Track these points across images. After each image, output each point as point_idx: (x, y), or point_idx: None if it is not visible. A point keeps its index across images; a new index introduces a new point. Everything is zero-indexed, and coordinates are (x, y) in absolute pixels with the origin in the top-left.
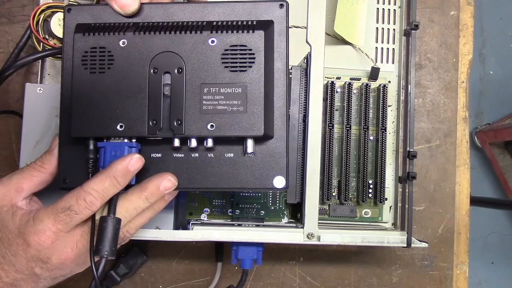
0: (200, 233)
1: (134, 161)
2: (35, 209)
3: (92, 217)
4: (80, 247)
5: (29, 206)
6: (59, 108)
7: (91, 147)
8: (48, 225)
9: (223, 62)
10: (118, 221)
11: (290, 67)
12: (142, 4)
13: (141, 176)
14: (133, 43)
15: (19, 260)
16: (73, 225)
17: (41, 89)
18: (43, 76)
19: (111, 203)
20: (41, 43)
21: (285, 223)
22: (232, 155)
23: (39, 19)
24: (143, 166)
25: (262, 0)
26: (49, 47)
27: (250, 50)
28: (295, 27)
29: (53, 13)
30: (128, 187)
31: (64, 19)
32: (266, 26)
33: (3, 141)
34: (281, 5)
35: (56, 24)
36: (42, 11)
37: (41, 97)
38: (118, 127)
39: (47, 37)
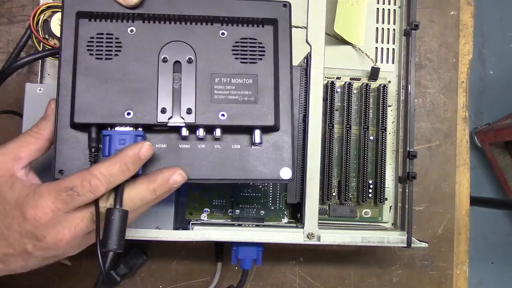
0: (200, 233)
1: (145, 149)
2: (36, 183)
3: (96, 203)
4: (78, 230)
5: (28, 176)
6: (56, 94)
7: (94, 135)
8: (47, 202)
9: (233, 54)
10: (126, 213)
11: None
12: None
13: (146, 167)
14: (142, 31)
15: (12, 234)
16: (73, 206)
17: (41, 89)
18: (43, 76)
19: (118, 193)
20: (41, 43)
21: (285, 223)
22: (239, 146)
23: (39, 19)
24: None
25: None
26: (49, 47)
27: (260, 43)
28: (295, 27)
29: (53, 13)
30: (134, 177)
31: (62, 5)
32: (272, 22)
33: (3, 141)
34: (285, 5)
35: (56, 24)
36: (42, 11)
37: (41, 97)
38: (126, 114)
39: (47, 37)
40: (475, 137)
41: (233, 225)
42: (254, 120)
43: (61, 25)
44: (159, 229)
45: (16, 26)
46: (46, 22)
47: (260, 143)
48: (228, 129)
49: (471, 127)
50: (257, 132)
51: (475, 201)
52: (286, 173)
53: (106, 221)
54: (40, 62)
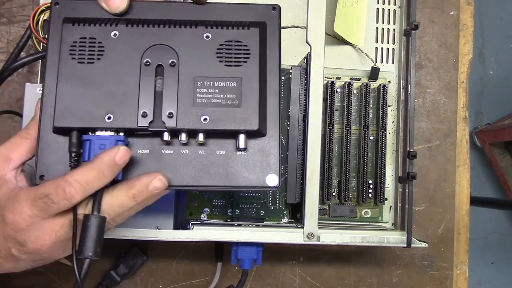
0: (200, 233)
1: (121, 154)
2: (21, 186)
3: (74, 210)
4: (58, 236)
5: (17, 178)
6: (41, 99)
7: (74, 140)
8: (25, 208)
9: (217, 57)
10: (103, 220)
11: (290, 67)
12: (131, 1)
13: (126, 173)
14: (124, 35)
15: None
16: (50, 213)
17: (41, 89)
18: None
19: (96, 199)
20: (41, 43)
21: (285, 223)
22: (223, 151)
23: (39, 19)
24: (129, 162)
25: (256, 3)
26: None
27: (245, 46)
28: (295, 27)
29: None
30: (113, 183)
31: (50, 11)
32: (260, 26)
33: (3, 141)
34: (274, 8)
35: None
36: (42, 11)
37: None
38: (106, 118)
39: (47, 37)
40: (475, 137)
41: (233, 225)
42: (238, 124)
43: (48, 31)
44: (159, 229)
45: (16, 26)
46: (46, 22)
47: (245, 148)
48: (211, 134)
49: (471, 127)
50: (242, 137)
51: (475, 201)
52: (272, 180)
53: (82, 228)
54: (40, 62)
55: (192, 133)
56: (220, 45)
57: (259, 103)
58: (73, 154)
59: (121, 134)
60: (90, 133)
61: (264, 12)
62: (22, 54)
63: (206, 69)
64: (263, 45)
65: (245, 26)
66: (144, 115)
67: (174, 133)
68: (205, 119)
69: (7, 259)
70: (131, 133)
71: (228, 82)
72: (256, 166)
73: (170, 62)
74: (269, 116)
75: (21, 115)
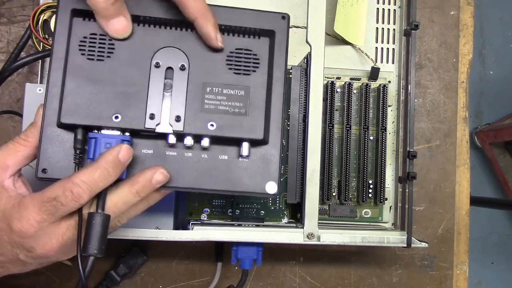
0: (200, 233)
1: (124, 151)
2: (22, 193)
3: (79, 211)
4: (65, 239)
5: (16, 185)
6: (45, 91)
7: (80, 136)
8: (32, 214)
9: (227, 64)
10: (107, 217)
11: (290, 67)
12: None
13: (130, 173)
14: (136, 34)
15: (4, 244)
16: (58, 217)
17: (41, 89)
18: (43, 76)
19: (100, 198)
20: (41, 43)
21: (285, 223)
22: (226, 157)
23: (39, 19)
24: (133, 162)
25: (265, 10)
26: (49, 47)
27: (255, 55)
28: (295, 27)
29: (53, 13)
30: (117, 182)
31: (58, 3)
32: (269, 34)
33: (3, 141)
34: (283, 17)
35: None
36: (42, 11)
37: (41, 97)
38: (114, 117)
39: (47, 37)
40: (475, 137)
41: (233, 225)
42: (243, 132)
43: (55, 22)
44: (159, 229)
45: (16, 26)
46: (46, 22)
47: (248, 155)
48: (216, 140)
49: (471, 127)
50: (245, 145)
51: (475, 201)
52: (271, 188)
53: (87, 226)
54: (40, 62)
55: (197, 138)
56: (231, 52)
57: (265, 113)
58: (77, 151)
59: (127, 134)
60: (95, 131)
61: (273, 20)
62: (22, 54)
63: (215, 75)
64: (271, 55)
65: (256, 34)
66: (152, 117)
67: (179, 136)
68: (212, 125)
69: (14, 263)
70: (136, 133)
71: (236, 91)
72: (257, 173)
73: (180, 65)
74: (272, 124)
75: (21, 115)
